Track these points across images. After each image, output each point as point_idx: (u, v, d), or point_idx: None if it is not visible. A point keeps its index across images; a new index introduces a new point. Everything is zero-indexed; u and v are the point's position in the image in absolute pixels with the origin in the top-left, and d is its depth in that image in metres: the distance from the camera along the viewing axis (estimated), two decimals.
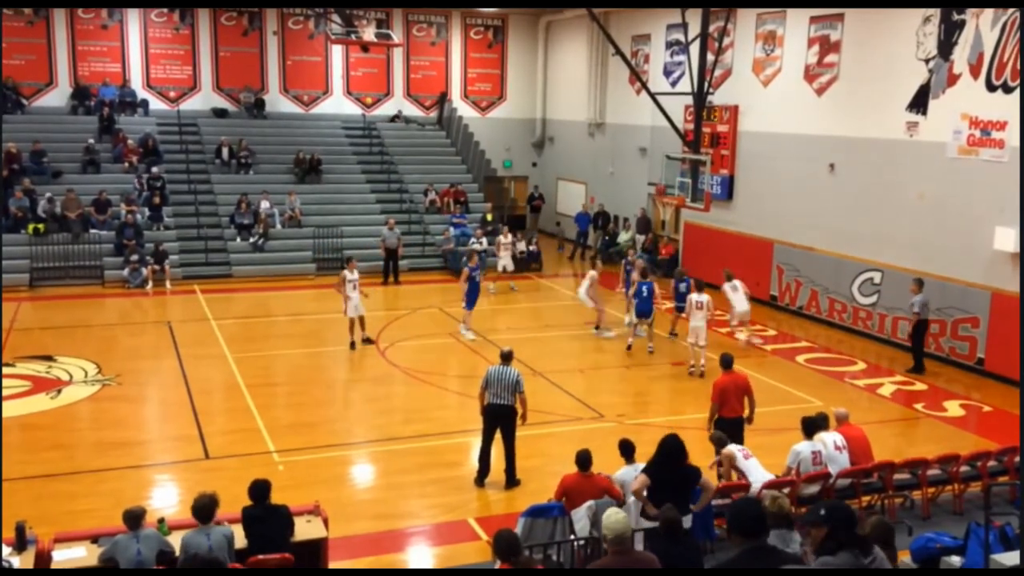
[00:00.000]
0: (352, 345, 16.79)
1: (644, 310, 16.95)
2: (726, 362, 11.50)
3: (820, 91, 19.68)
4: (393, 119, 29.69)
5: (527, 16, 30.92)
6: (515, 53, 31.37)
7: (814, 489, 9.47)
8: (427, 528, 9.97)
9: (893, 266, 17.85)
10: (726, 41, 21.84)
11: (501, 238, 23.45)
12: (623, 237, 26.76)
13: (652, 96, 20.48)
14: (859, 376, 16.06)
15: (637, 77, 22.68)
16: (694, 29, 19.18)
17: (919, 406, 14.54)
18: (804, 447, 9.64)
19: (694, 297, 15.94)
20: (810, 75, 19.93)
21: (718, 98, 21.92)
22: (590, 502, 8.39)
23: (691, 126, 20.59)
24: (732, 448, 9.74)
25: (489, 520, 9.96)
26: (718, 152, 22.10)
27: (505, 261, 23.17)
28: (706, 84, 19.49)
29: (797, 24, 20.27)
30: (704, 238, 23.45)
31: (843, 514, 5.07)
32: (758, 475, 9.34)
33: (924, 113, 17.11)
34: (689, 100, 20.67)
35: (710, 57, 19.61)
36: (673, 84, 24.23)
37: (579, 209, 28.51)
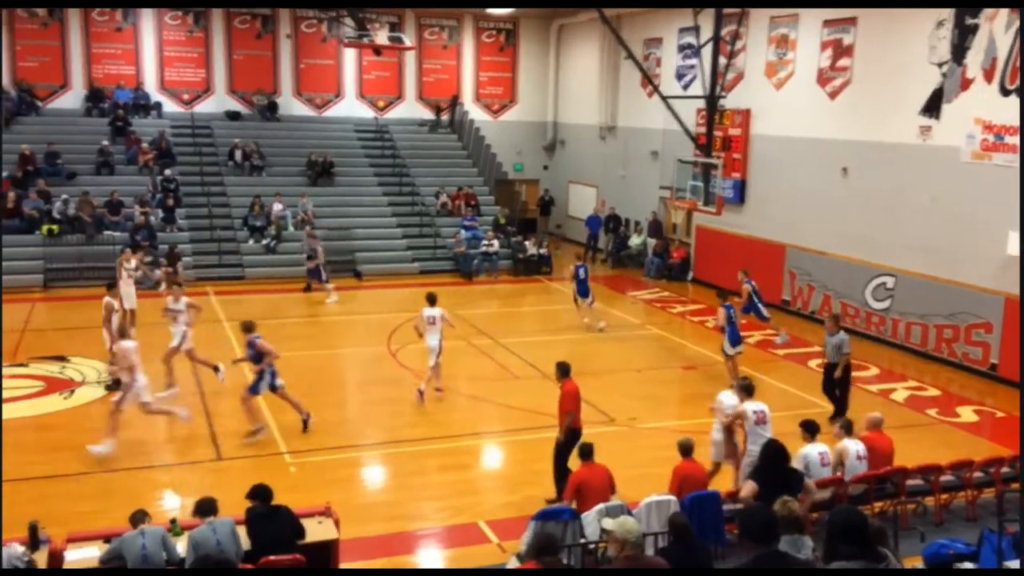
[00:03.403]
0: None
1: (582, 291, 18.81)
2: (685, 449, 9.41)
3: (833, 95, 19.63)
4: (431, 122, 29.87)
5: (539, 19, 30.95)
6: (527, 56, 31.40)
7: (826, 494, 9.43)
8: (438, 530, 9.98)
9: (906, 271, 17.78)
10: (738, 44, 21.81)
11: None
12: (634, 241, 26.75)
13: (664, 99, 20.48)
14: (872, 381, 16.00)
15: (649, 80, 22.68)
16: (706, 32, 19.16)
17: (932, 412, 14.47)
18: (811, 450, 9.62)
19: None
20: (823, 79, 19.88)
21: (730, 101, 21.89)
22: (600, 505, 8.40)
23: (703, 129, 20.58)
24: (747, 407, 9.80)
25: (500, 523, 9.98)
26: (730, 156, 22.06)
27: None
28: (718, 87, 19.48)
29: (810, 28, 20.22)
30: (716, 242, 23.41)
31: (840, 519, 5.05)
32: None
33: (937, 117, 17.05)
34: (701, 103, 20.66)
35: (722, 60, 19.59)
36: (685, 87, 24.20)
37: (590, 212, 28.50)
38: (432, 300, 14.28)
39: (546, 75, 31.55)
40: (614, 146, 28.42)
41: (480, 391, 14.73)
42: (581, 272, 18.89)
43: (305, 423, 12.66)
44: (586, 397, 14.27)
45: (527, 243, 25.69)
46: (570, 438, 10.39)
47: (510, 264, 25.28)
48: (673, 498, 8.57)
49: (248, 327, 12.70)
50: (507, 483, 10.82)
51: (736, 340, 15.19)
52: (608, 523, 6.15)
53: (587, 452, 9.08)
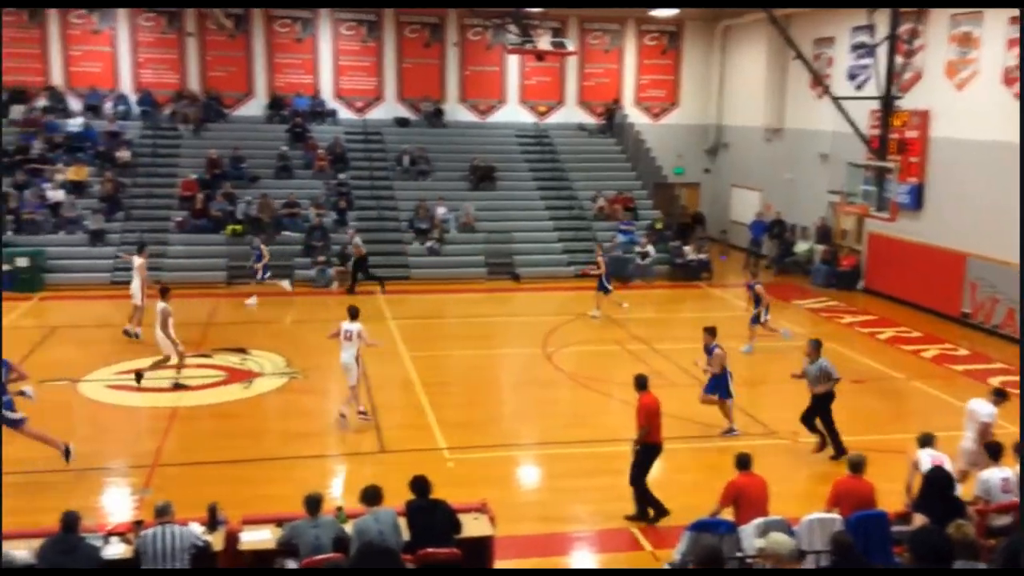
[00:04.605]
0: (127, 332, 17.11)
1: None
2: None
3: (1020, 95, 18.29)
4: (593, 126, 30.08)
5: (703, 21, 30.44)
6: (690, 58, 30.94)
7: (1005, 520, 8.82)
8: (590, 534, 10.01)
9: None
10: (916, 43, 20.65)
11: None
12: (801, 247, 25.85)
13: (835, 100, 19.70)
14: None
15: (819, 81, 21.88)
16: (882, 31, 18.30)
17: None
18: (992, 475, 9.01)
19: None
20: (1009, 79, 18.56)
21: (907, 102, 20.76)
22: (759, 520, 8.19)
23: (877, 132, 19.65)
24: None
25: (653, 531, 9.90)
26: (906, 159, 20.95)
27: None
28: (894, 88, 18.55)
29: (995, 25, 18.93)
30: (890, 250, 22.28)
31: (925, 540, 4.72)
32: None
33: None
34: (875, 104, 19.74)
35: (899, 60, 18.65)
36: (858, 88, 23.17)
37: (753, 217, 27.76)
38: (353, 314, 13.09)
39: (709, 77, 30.98)
40: (780, 149, 27.56)
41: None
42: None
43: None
44: (745, 408, 14.00)
45: (686, 248, 25.30)
46: (646, 455, 10.15)
47: (667, 269, 24.97)
48: (837, 517, 8.24)
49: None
50: (661, 491, 10.67)
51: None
52: (759, 541, 6.01)
53: (744, 462, 8.83)
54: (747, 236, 27.73)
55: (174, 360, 14.62)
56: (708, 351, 12.96)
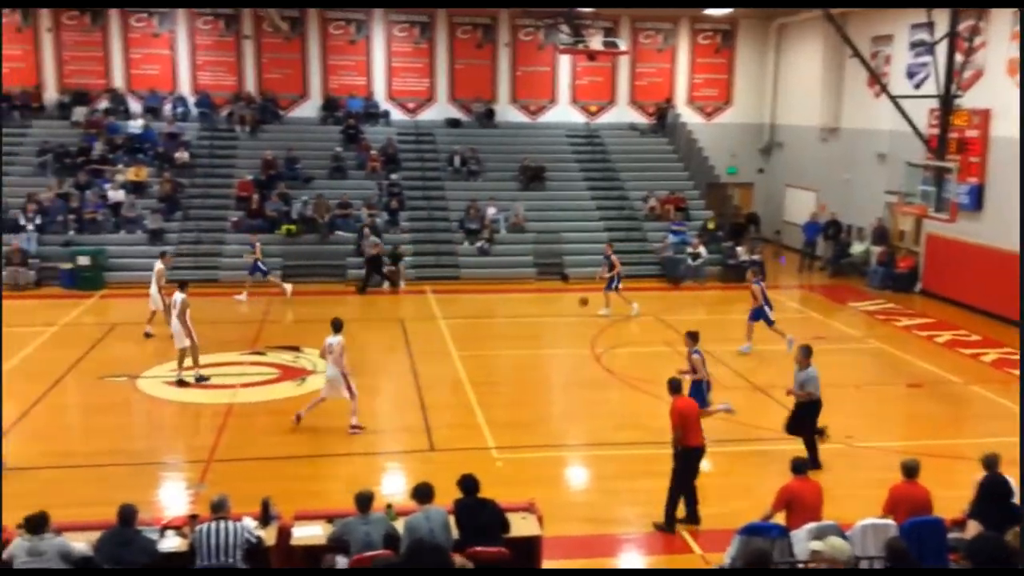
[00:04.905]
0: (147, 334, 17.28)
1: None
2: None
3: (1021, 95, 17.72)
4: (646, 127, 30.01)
5: (758, 19, 30.08)
6: (744, 57, 30.60)
7: None
8: (639, 536, 9.96)
9: None
10: (977, 40, 20.17)
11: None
12: (856, 248, 25.40)
13: (893, 99, 19.34)
14: None
15: (877, 79, 21.49)
16: (941, 28, 17.91)
17: None
18: None
19: None
20: None
21: (967, 101, 20.28)
22: (812, 524, 8.08)
23: (936, 131, 19.24)
24: None
25: (703, 534, 9.83)
26: (966, 159, 20.44)
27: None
28: (954, 86, 18.15)
29: None
30: (949, 251, 21.78)
31: (983, 547, 4.60)
32: None
33: None
34: (934, 103, 19.34)
35: (959, 57, 18.23)
36: (916, 86, 22.70)
37: (807, 218, 27.35)
38: (336, 327, 12.82)
39: (764, 75, 30.61)
40: (836, 148, 27.12)
41: None
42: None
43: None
44: None
45: (738, 249, 25.02)
46: (686, 459, 9.99)
47: (719, 270, 24.73)
48: (892, 523, 8.09)
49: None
50: (711, 494, 10.59)
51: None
52: (816, 544, 5.94)
53: (800, 466, 8.67)
54: (801, 237, 27.32)
55: (185, 345, 14.90)
56: (690, 357, 12.37)
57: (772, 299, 17.71)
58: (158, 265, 17.76)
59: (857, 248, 25.36)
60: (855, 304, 21.86)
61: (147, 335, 17.38)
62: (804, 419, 11.59)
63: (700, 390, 12.19)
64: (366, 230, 23.28)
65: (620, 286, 20.05)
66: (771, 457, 11.93)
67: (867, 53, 23.74)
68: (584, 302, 19.00)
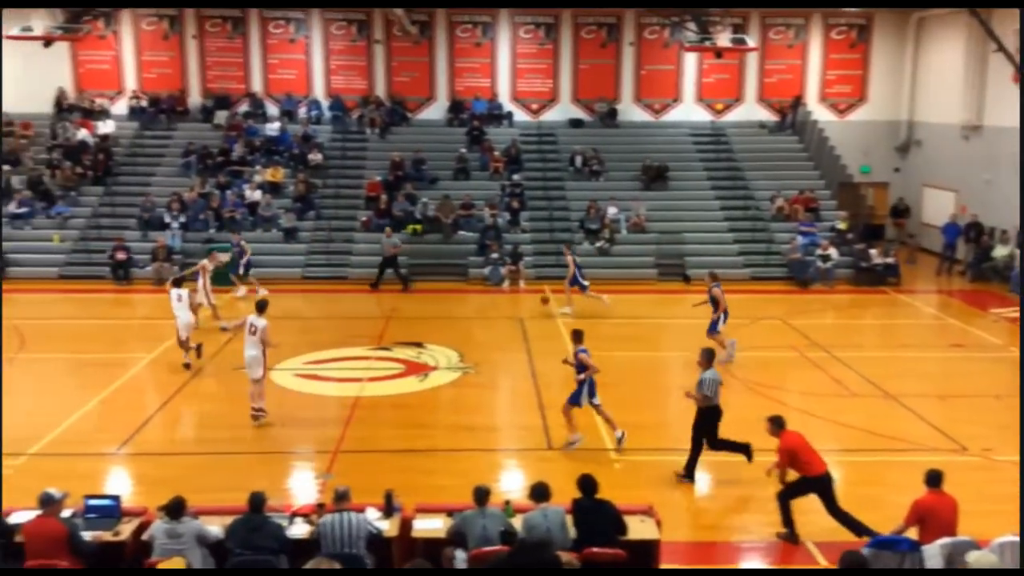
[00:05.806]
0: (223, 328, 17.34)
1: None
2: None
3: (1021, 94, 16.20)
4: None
5: (895, 13, 28.83)
6: (880, 52, 29.39)
7: None
8: (761, 545, 9.75)
9: None
10: None
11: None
12: (999, 251, 24.03)
13: None
14: None
15: (1023, 75, 20.27)
16: None
17: None
18: None
19: None
20: None
21: None
22: (945, 539, 7.73)
23: None
24: None
25: (829, 546, 9.51)
26: None
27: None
28: None
29: None
30: None
31: None
32: None
33: None
34: None
35: None
36: None
37: (947, 219, 26.05)
38: (260, 308, 13.37)
39: (901, 71, 29.31)
40: (979, 147, 25.73)
41: (812, 406, 14.10)
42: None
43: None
44: (934, 422, 13.22)
45: (872, 251, 24.06)
46: (806, 487, 9.62)
47: (851, 273, 23.85)
48: None
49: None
50: (843, 504, 10.24)
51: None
52: (972, 555, 5.68)
53: (935, 479, 8.34)
54: (939, 239, 26.05)
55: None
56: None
57: (915, 305, 16.93)
58: (204, 261, 19.18)
59: (1000, 251, 23.98)
60: (997, 310, 20.71)
61: (223, 329, 17.67)
62: (701, 426, 11.22)
63: (581, 389, 12.20)
64: (387, 229, 23.49)
65: (588, 283, 20.26)
66: (902, 469, 11.48)
67: (1013, 47, 22.44)
68: (545, 301, 20.42)
